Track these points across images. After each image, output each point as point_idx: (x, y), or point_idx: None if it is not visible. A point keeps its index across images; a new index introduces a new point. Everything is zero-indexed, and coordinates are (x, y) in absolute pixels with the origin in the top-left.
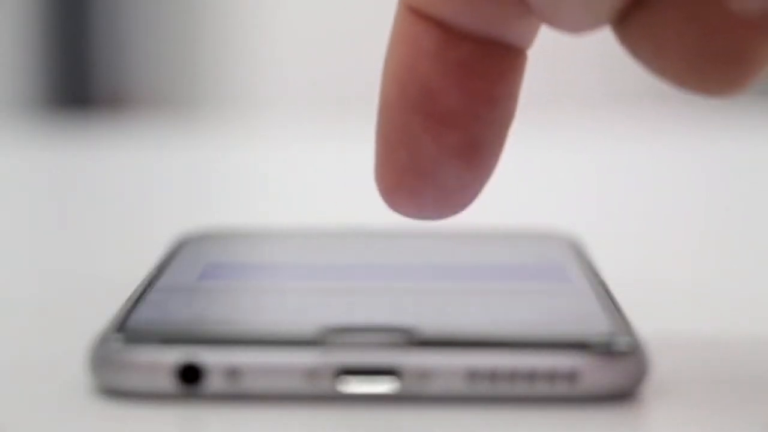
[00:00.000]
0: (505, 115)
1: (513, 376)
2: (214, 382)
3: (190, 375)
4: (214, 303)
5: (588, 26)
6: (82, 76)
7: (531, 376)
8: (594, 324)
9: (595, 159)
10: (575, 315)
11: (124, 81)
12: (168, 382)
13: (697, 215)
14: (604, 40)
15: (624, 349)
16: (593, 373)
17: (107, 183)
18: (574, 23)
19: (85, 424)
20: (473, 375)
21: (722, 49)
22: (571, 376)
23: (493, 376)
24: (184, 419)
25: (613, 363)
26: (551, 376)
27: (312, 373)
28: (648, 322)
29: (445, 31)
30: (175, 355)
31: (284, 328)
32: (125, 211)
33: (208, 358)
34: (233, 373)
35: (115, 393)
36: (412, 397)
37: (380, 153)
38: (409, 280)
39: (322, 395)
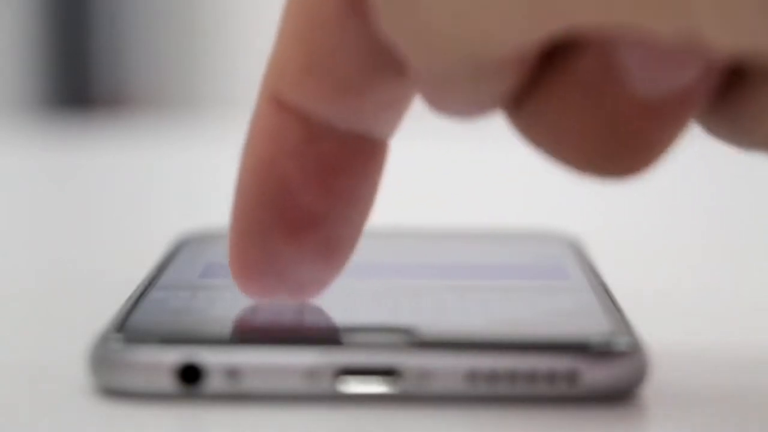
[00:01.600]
0: (364, 211)
1: (513, 376)
2: (214, 382)
3: (190, 375)
4: (214, 303)
5: (476, 111)
6: (82, 76)
7: (531, 376)
8: (594, 324)
9: None
10: (575, 315)
11: (124, 81)
12: (168, 382)
13: (697, 216)
14: None
15: (624, 349)
16: (593, 373)
17: (107, 183)
18: (460, 108)
19: (85, 424)
20: (473, 375)
21: (626, 135)
22: (570, 376)
23: (493, 376)
24: (184, 419)
25: (613, 363)
26: (551, 376)
27: (312, 373)
28: (648, 322)
29: (308, 125)
30: (175, 355)
31: (284, 328)
32: (125, 211)
33: (208, 358)
34: (233, 373)
35: (115, 393)
36: (412, 397)
37: (233, 246)
38: (409, 280)
39: (322, 395)
